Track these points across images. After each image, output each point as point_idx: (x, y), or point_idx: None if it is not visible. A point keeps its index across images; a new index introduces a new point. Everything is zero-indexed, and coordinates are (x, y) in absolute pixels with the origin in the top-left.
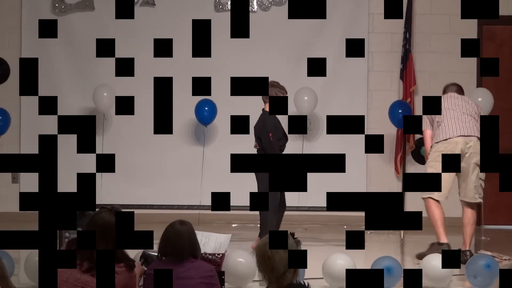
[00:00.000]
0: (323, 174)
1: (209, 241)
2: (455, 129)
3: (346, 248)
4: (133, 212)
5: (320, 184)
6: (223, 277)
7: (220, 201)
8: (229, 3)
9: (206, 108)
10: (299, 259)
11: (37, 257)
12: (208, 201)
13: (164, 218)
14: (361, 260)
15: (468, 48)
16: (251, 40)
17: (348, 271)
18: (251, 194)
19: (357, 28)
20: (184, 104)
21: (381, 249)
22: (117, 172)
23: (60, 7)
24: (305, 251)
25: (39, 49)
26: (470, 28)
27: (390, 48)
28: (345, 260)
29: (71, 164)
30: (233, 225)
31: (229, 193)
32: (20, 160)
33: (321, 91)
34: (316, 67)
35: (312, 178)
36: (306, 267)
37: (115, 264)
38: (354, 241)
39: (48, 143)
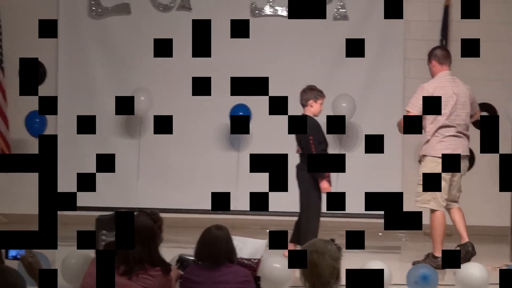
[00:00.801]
0: (359, 181)
1: (245, 246)
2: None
3: (346, 248)
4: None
5: (355, 190)
6: (259, 282)
7: (220, 201)
8: (265, 7)
9: (240, 113)
10: None
11: (74, 259)
12: (244, 206)
13: (201, 223)
14: (397, 267)
15: (468, 48)
16: (288, 45)
17: (348, 271)
18: (251, 194)
19: (393, 35)
20: (220, 108)
21: (417, 257)
22: (154, 176)
23: (97, 10)
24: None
25: (76, 52)
26: (506, 35)
27: (426, 55)
28: (380, 267)
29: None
30: (269, 230)
31: (229, 193)
32: (21, 160)
33: (357, 98)
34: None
35: (349, 185)
36: None
37: (151, 267)
38: (354, 241)
39: (48, 143)
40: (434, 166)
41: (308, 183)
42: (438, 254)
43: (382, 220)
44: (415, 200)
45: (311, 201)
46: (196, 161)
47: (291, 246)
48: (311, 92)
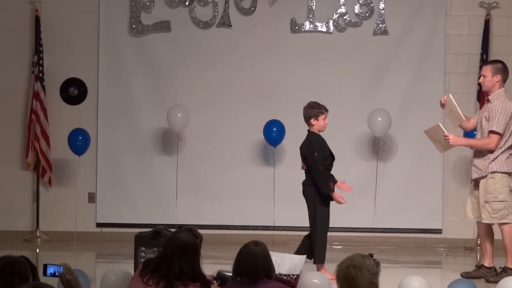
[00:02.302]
0: (398, 196)
1: (284, 262)
2: None
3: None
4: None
5: (395, 205)
6: None
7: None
8: (306, 23)
9: (274, 129)
10: None
11: (113, 276)
12: (282, 222)
13: (239, 239)
14: (437, 282)
15: None
16: (326, 61)
17: None
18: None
19: (434, 49)
20: (253, 124)
21: (457, 271)
22: (192, 192)
23: (137, 28)
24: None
25: (116, 69)
26: None
27: (467, 69)
28: (420, 282)
29: None
30: None
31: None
32: None
33: (397, 112)
34: None
35: (388, 199)
36: None
37: (191, 283)
38: None
39: None
40: (505, 181)
41: (315, 199)
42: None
43: (422, 235)
44: (489, 217)
45: (318, 215)
46: (232, 176)
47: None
48: (311, 110)
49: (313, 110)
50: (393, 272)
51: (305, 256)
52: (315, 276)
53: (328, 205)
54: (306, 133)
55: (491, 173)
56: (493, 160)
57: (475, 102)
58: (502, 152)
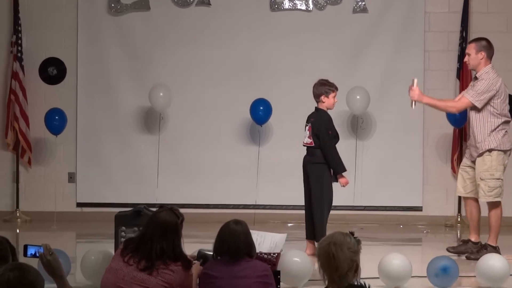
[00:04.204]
0: (378, 173)
1: (265, 241)
2: None
3: None
4: None
5: (376, 184)
6: (278, 276)
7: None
8: (285, 1)
9: (261, 108)
10: None
11: (93, 256)
12: (263, 201)
13: (220, 218)
14: (418, 259)
15: None
16: (306, 39)
17: None
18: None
19: (413, 27)
20: (239, 103)
21: (438, 248)
22: (173, 171)
23: (116, 7)
24: None
25: (95, 49)
26: None
27: (447, 47)
28: (401, 259)
29: None
30: (289, 224)
31: None
32: None
33: (376, 90)
34: None
35: (368, 177)
36: None
37: (172, 262)
38: None
39: None
40: (501, 158)
41: (320, 177)
42: (496, 243)
43: (402, 212)
44: (484, 195)
45: (325, 194)
46: (215, 156)
47: (310, 244)
48: (322, 87)
49: (324, 87)
50: (373, 249)
51: (285, 235)
52: (296, 254)
53: (331, 184)
54: (290, 112)
55: (488, 150)
56: (490, 137)
57: (454, 79)
58: (497, 130)
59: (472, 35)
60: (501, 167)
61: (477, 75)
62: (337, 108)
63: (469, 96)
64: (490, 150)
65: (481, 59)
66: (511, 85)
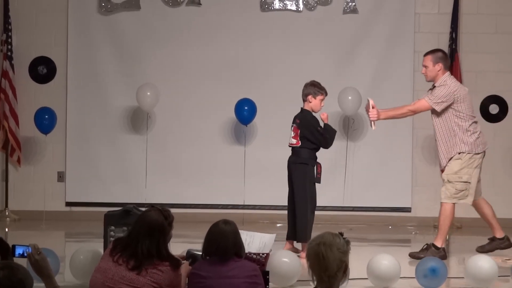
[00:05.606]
0: (368, 174)
1: (254, 241)
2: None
3: None
4: None
5: (364, 184)
6: (267, 276)
7: None
8: (275, 2)
9: (245, 108)
10: None
11: (82, 256)
12: (252, 201)
13: (209, 218)
14: (406, 260)
15: None
16: (296, 40)
17: None
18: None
19: (403, 28)
20: (227, 103)
21: None
22: (162, 171)
23: (107, 6)
24: None
25: (85, 48)
26: None
27: (436, 48)
28: (389, 260)
29: None
30: (278, 224)
31: None
32: None
33: (367, 91)
34: None
35: (357, 178)
36: None
37: (160, 262)
38: None
39: None
40: (472, 162)
41: (303, 177)
42: (442, 244)
43: (391, 213)
44: (449, 197)
45: (308, 195)
46: (203, 156)
47: (288, 244)
48: (311, 88)
49: (314, 88)
50: (362, 250)
51: (274, 235)
52: (285, 254)
53: (314, 185)
54: (277, 112)
55: (458, 153)
56: (460, 141)
57: None
58: (469, 133)
59: (462, 36)
60: (471, 170)
61: (435, 84)
62: (329, 109)
63: (428, 99)
64: (460, 153)
65: (439, 70)
66: (501, 86)
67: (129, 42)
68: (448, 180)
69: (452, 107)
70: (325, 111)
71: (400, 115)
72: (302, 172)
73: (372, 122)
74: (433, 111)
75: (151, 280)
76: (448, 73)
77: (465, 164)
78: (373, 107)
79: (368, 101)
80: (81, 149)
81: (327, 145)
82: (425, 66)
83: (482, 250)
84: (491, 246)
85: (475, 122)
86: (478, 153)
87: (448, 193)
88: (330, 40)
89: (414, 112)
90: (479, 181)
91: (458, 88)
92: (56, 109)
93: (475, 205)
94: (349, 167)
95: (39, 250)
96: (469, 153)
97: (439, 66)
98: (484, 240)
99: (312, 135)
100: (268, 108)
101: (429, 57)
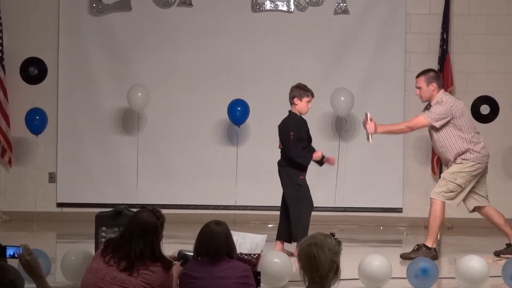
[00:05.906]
0: (359, 175)
1: (245, 241)
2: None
3: None
4: None
5: (356, 185)
6: (259, 277)
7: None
8: (266, 2)
9: (238, 108)
10: None
11: (74, 256)
12: (243, 202)
13: (200, 218)
14: (398, 261)
15: None
16: (288, 40)
17: None
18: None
19: (394, 28)
20: (218, 104)
21: None
22: (153, 172)
23: (98, 7)
24: None
25: (76, 49)
26: (508, 28)
27: (427, 49)
28: (381, 261)
29: None
30: (269, 225)
31: None
32: None
33: (358, 91)
34: None
35: (349, 179)
36: None
37: (151, 263)
38: None
39: None
40: (472, 169)
41: (288, 179)
42: (433, 245)
43: (383, 214)
44: (438, 193)
45: (300, 195)
46: (194, 156)
47: (278, 244)
48: (297, 90)
49: (299, 91)
50: (354, 251)
51: (266, 235)
52: (276, 255)
53: (302, 184)
54: (269, 113)
55: (462, 159)
56: (467, 150)
57: None
58: (474, 143)
59: (453, 36)
60: (468, 176)
61: (431, 103)
62: (321, 109)
63: (427, 116)
64: (464, 159)
65: (433, 90)
66: (493, 87)
67: (120, 42)
68: (443, 178)
69: (451, 122)
70: (317, 111)
71: (397, 131)
72: (287, 174)
73: (370, 135)
74: (432, 127)
75: (142, 281)
76: (442, 90)
77: (466, 170)
78: (371, 120)
79: (366, 114)
80: (72, 150)
81: (290, 152)
82: (419, 88)
83: (504, 256)
84: (508, 251)
85: (477, 133)
86: (482, 163)
87: (439, 190)
88: (321, 41)
89: (412, 129)
90: (485, 188)
91: (455, 103)
92: (47, 110)
93: (485, 214)
94: (340, 167)
95: (30, 251)
96: (473, 161)
97: (433, 86)
98: (476, 240)
99: (284, 136)
100: (261, 109)
101: (422, 78)
